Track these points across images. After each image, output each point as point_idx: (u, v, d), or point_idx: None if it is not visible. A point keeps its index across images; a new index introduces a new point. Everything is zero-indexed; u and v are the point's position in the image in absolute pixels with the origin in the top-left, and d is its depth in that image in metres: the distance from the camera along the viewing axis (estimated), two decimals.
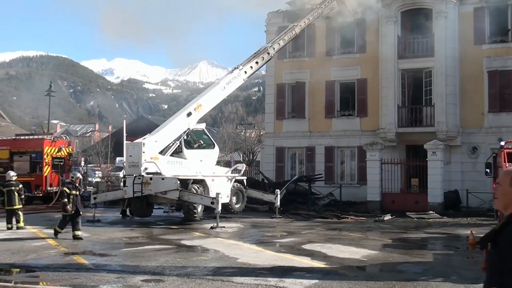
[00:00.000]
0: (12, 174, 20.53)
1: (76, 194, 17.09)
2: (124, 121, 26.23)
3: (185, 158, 23.51)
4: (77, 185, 17.39)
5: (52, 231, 18.99)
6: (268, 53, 27.12)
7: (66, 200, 16.90)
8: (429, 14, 30.96)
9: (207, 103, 24.88)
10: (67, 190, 16.99)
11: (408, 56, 30.93)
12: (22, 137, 35.31)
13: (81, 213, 17.30)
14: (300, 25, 29.28)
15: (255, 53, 26.96)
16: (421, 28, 31.41)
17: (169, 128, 23.24)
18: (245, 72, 26.08)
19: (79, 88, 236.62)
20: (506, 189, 3.60)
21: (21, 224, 19.50)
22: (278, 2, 37.12)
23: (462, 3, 30.69)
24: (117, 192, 24.75)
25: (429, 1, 30.77)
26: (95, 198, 23.52)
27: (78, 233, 16.74)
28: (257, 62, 26.69)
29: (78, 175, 18.30)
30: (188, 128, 23.80)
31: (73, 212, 16.78)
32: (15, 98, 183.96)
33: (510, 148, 16.74)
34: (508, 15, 30.17)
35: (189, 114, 23.82)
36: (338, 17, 32.37)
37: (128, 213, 24.85)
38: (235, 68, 26.03)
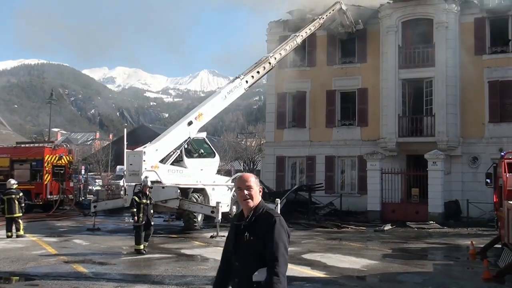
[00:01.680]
0: (12, 182, 20.55)
1: (147, 203, 15.95)
2: (125, 129, 26.24)
3: (185, 167, 23.49)
4: (147, 193, 16.24)
5: (52, 239, 19.02)
6: (270, 63, 27.13)
7: (135, 210, 15.71)
8: (429, 24, 31.00)
9: (208, 112, 24.87)
10: (137, 199, 15.81)
11: (408, 66, 30.93)
12: (23, 145, 35.37)
13: (152, 223, 16.21)
14: (302, 36, 29.33)
15: (256, 63, 26.97)
16: (422, 38, 31.44)
17: (170, 137, 23.22)
18: (246, 81, 26.08)
19: (80, 96, 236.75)
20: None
21: (21, 232, 19.51)
22: (279, 11, 37.25)
23: (463, 13, 30.75)
24: (117, 200, 24.75)
25: (430, 11, 30.84)
26: (95, 207, 23.50)
27: (137, 247, 15.68)
28: (258, 72, 26.68)
29: (148, 183, 16.98)
30: (189, 137, 23.79)
31: (143, 222, 15.71)
32: (16, 106, 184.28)
33: (510, 159, 16.68)
34: (509, 25, 30.22)
35: (190, 123, 23.81)
36: (340, 28, 32.54)
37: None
38: (236, 78, 26.04)
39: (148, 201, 16.04)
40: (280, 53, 28.02)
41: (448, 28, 30.29)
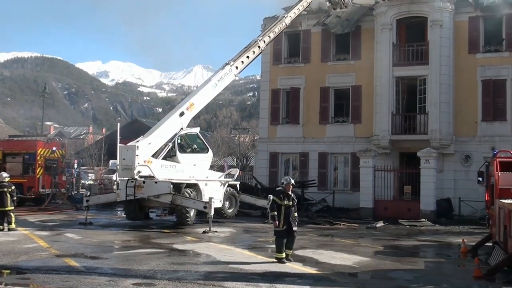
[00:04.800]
0: (4, 175, 20.45)
1: (289, 205, 13.67)
2: (118, 124, 26.16)
3: (178, 162, 23.45)
4: (290, 193, 13.94)
5: (44, 233, 18.94)
6: (259, 46, 27.05)
7: (275, 213, 13.58)
8: (424, 22, 31.08)
9: (199, 101, 24.81)
10: (278, 201, 13.69)
11: (402, 64, 30.99)
12: (16, 138, 35.34)
13: (294, 229, 13.72)
14: (290, 16, 29.38)
15: (245, 47, 26.83)
16: (416, 36, 31.54)
17: (163, 129, 23.14)
18: (236, 67, 25.97)
19: (73, 90, 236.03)
20: None
21: (13, 225, 19.44)
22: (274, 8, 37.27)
23: (457, 12, 30.83)
24: (110, 195, 24.70)
25: (424, 9, 30.90)
26: (87, 201, 23.42)
27: (279, 255, 13.56)
28: (248, 57, 26.53)
29: (290, 179, 14.26)
30: (181, 128, 23.74)
31: (284, 227, 13.53)
32: (9, 99, 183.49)
33: (502, 157, 16.77)
34: (503, 24, 30.33)
35: (181, 114, 23.76)
36: (328, 5, 32.66)
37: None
38: (226, 64, 25.86)
39: (291, 203, 13.77)
40: (269, 36, 27.96)
41: (442, 26, 30.37)
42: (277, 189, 14.81)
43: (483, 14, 30.63)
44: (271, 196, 25.22)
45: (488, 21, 30.67)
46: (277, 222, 13.47)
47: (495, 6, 30.42)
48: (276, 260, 13.50)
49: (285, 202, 13.60)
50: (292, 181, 14.26)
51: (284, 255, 13.53)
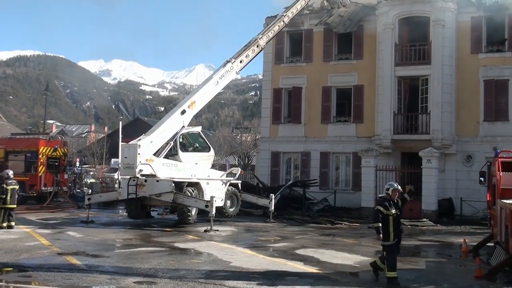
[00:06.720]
0: (11, 172, 20.55)
1: (397, 214, 11.71)
2: (120, 122, 26.20)
3: (180, 161, 23.47)
4: (396, 201, 11.99)
5: (46, 231, 18.95)
6: (258, 45, 27.25)
7: (379, 224, 11.59)
8: (426, 22, 31.02)
9: (200, 99, 24.83)
10: (383, 210, 11.63)
11: (405, 64, 30.94)
12: (18, 137, 35.32)
13: (399, 243, 11.91)
14: (288, 16, 29.65)
15: (245, 46, 27.01)
16: (418, 35, 31.48)
17: (164, 127, 23.15)
18: (237, 65, 26.14)
19: (75, 88, 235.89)
20: None
21: (12, 223, 19.47)
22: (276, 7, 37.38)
23: (460, 12, 30.78)
24: (111, 193, 24.72)
25: (426, 9, 30.85)
26: (89, 199, 23.47)
27: (392, 274, 11.45)
28: (248, 55, 26.72)
29: (396, 186, 12.06)
30: (183, 126, 23.75)
31: (395, 240, 11.62)
32: (11, 97, 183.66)
33: (504, 157, 16.76)
34: (505, 24, 30.23)
35: (183, 112, 23.78)
36: (325, 4, 32.84)
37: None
38: (227, 62, 25.99)
39: (397, 212, 11.78)
40: (268, 35, 28.29)
41: (444, 26, 30.32)
42: (380, 196, 12.60)
43: (485, 14, 30.55)
44: (272, 196, 25.71)
45: (490, 21, 30.58)
46: (381, 235, 11.53)
47: (497, 6, 30.35)
48: (388, 281, 11.45)
49: (393, 211, 11.65)
50: (399, 187, 12.14)
51: (396, 273, 11.51)
